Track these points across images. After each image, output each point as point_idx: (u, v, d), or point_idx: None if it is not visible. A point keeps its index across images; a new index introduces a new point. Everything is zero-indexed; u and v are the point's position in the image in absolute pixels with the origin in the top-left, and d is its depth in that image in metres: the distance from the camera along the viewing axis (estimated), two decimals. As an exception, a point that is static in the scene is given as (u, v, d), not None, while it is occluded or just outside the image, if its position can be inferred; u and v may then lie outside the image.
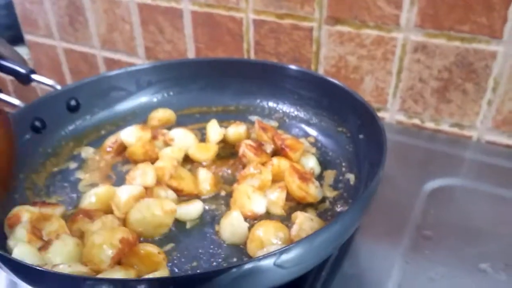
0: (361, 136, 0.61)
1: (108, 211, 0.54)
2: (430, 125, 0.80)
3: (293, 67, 0.71)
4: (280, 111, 0.75)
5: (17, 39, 1.32)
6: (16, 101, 0.65)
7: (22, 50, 1.33)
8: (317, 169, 0.62)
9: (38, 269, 0.39)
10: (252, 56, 0.91)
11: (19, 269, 0.40)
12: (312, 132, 0.70)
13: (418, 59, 0.75)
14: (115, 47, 1.10)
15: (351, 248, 0.56)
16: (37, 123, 0.66)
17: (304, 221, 0.50)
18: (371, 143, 0.56)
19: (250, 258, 0.49)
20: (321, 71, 0.84)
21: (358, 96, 0.61)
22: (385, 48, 0.77)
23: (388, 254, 0.55)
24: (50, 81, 0.71)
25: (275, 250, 0.39)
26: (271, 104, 0.76)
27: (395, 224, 0.60)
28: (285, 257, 0.40)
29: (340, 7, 0.77)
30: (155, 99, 0.78)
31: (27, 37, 1.26)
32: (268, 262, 0.39)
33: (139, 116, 0.75)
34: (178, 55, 1.01)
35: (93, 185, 0.61)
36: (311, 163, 0.62)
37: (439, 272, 0.53)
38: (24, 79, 0.72)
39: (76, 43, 1.17)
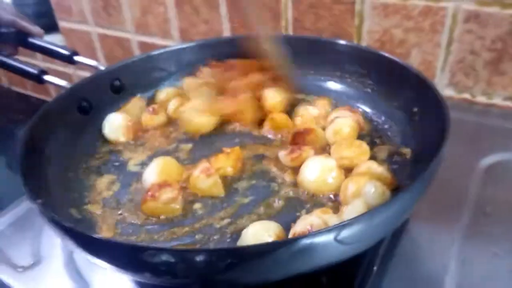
0: (415, 109, 0.58)
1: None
2: (481, 99, 0.76)
3: (340, 41, 0.69)
4: (328, 87, 0.72)
5: (51, 26, 1.34)
6: (62, 82, 0.66)
7: (56, 38, 1.34)
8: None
9: (98, 239, 0.39)
10: (290, 33, 0.89)
11: (81, 239, 0.41)
12: (363, 107, 0.68)
13: (470, 29, 0.71)
14: (149, 31, 1.10)
15: (408, 226, 0.54)
16: (84, 104, 0.66)
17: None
18: (428, 115, 0.54)
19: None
20: (363, 46, 0.82)
21: (410, 67, 0.59)
22: (434, 19, 0.73)
23: (448, 231, 0.53)
24: (93, 62, 0.71)
25: (336, 225, 0.38)
26: (318, 81, 0.74)
27: (452, 201, 0.57)
28: (346, 232, 0.38)
29: (385, -23, 0.74)
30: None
31: (61, 24, 1.28)
32: (329, 237, 0.38)
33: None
34: (213, 35, 1.00)
35: (143, 164, 0.61)
36: None
37: (503, 247, 0.50)
38: (67, 61, 0.72)
39: (110, 28, 1.17)
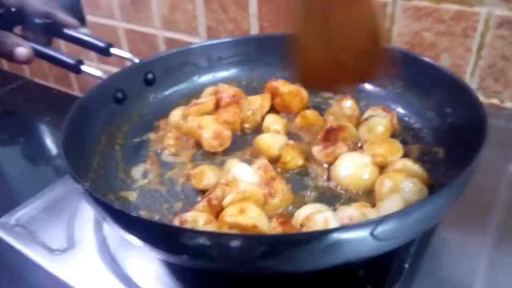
0: (448, 110, 0.59)
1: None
2: (510, 105, 0.76)
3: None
4: (361, 87, 0.73)
5: (79, 20, 1.36)
6: (98, 73, 0.67)
7: (83, 32, 1.36)
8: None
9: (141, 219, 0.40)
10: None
11: (127, 220, 0.42)
12: (395, 106, 0.68)
13: (502, 35, 0.72)
14: (176, 27, 1.11)
15: (439, 228, 0.55)
16: (119, 95, 0.68)
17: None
18: (463, 116, 0.54)
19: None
20: (392, 49, 0.82)
21: (446, 69, 0.59)
22: (466, 24, 0.73)
23: (478, 233, 0.53)
24: (128, 54, 0.72)
25: (373, 219, 0.38)
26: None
27: (482, 205, 0.58)
28: (382, 228, 0.39)
29: (418, -20, 0.74)
30: (225, 75, 0.79)
31: (89, 18, 1.30)
32: (365, 232, 0.38)
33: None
34: (240, 34, 1.01)
35: (176, 154, 0.62)
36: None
37: (534, 252, 0.51)
38: (103, 53, 0.73)
39: (137, 23, 1.19)
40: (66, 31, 0.75)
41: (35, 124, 1.34)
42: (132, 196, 0.56)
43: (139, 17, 1.17)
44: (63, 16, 0.74)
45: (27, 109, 1.48)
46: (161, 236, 0.41)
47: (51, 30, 0.75)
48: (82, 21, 1.33)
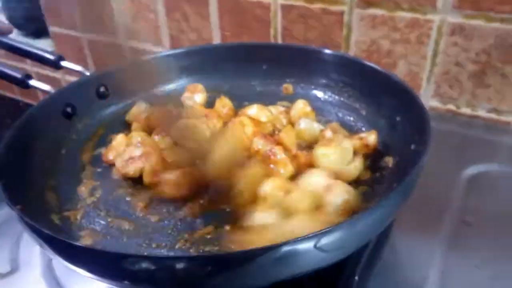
0: (398, 118, 0.59)
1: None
2: (466, 110, 0.77)
3: (325, 50, 0.70)
4: (312, 95, 0.73)
5: (41, 31, 1.33)
6: (46, 87, 0.65)
7: (46, 43, 1.34)
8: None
9: (74, 245, 0.39)
10: (279, 42, 0.89)
11: (56, 244, 0.40)
12: (345, 115, 0.69)
13: (455, 42, 0.72)
14: (139, 37, 1.10)
15: (390, 235, 0.54)
16: (68, 109, 0.66)
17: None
18: (411, 124, 0.54)
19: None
20: (351, 57, 0.82)
21: (394, 76, 0.60)
22: (420, 31, 0.74)
23: (429, 241, 0.53)
24: (78, 67, 0.71)
25: (316, 232, 0.38)
26: (304, 89, 0.74)
27: (434, 211, 0.58)
28: (325, 239, 0.38)
29: (372, -11, 0.75)
30: (184, 85, 0.77)
31: (52, 29, 1.27)
32: (308, 245, 0.38)
33: (169, 102, 0.74)
34: (203, 43, 1.00)
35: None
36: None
37: (484, 258, 0.51)
38: (53, 66, 0.72)
39: (100, 33, 1.17)
40: (18, 45, 0.73)
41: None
42: (77, 215, 0.54)
43: (102, 27, 1.15)
44: None
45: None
46: (97, 261, 0.39)
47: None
48: (46, 32, 1.30)
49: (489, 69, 0.72)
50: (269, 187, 0.52)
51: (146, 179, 0.57)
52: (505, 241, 0.53)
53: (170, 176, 0.55)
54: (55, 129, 0.63)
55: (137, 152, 0.59)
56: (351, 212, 0.50)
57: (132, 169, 0.58)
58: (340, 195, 0.50)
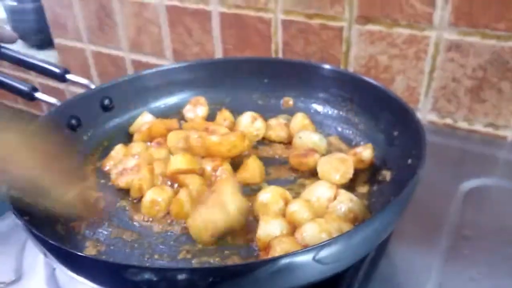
0: (395, 133, 0.60)
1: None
2: (463, 125, 0.78)
3: (325, 66, 0.71)
4: (311, 109, 0.74)
5: (46, 43, 1.36)
6: (52, 100, 0.67)
7: (51, 54, 1.36)
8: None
9: (79, 256, 0.40)
10: (280, 57, 0.91)
11: (61, 254, 0.41)
12: (345, 129, 0.70)
13: (452, 58, 0.74)
14: (143, 50, 1.12)
15: (388, 248, 0.55)
16: (73, 121, 0.67)
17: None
18: (407, 138, 0.56)
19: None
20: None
21: (391, 92, 0.61)
22: (418, 47, 0.76)
23: (426, 254, 0.54)
24: (84, 81, 0.72)
25: (315, 245, 0.39)
26: (304, 103, 0.76)
27: (432, 224, 0.59)
28: (324, 252, 0.39)
29: (371, 6, 0.76)
30: (186, 98, 0.79)
31: (57, 40, 1.29)
32: (307, 257, 0.39)
33: (171, 115, 0.76)
34: (206, 57, 1.02)
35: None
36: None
37: (480, 271, 0.51)
38: (59, 79, 0.73)
39: (104, 46, 1.19)
40: (24, 58, 0.75)
41: None
42: (81, 226, 0.55)
43: (106, 40, 1.17)
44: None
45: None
46: (100, 272, 0.40)
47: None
48: (51, 44, 1.32)
49: (485, 84, 0.73)
50: (268, 196, 0.53)
51: (133, 194, 0.59)
52: (502, 255, 0.53)
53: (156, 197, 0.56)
54: (60, 141, 0.64)
55: (131, 163, 0.60)
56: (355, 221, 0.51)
57: (123, 181, 0.59)
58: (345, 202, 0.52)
